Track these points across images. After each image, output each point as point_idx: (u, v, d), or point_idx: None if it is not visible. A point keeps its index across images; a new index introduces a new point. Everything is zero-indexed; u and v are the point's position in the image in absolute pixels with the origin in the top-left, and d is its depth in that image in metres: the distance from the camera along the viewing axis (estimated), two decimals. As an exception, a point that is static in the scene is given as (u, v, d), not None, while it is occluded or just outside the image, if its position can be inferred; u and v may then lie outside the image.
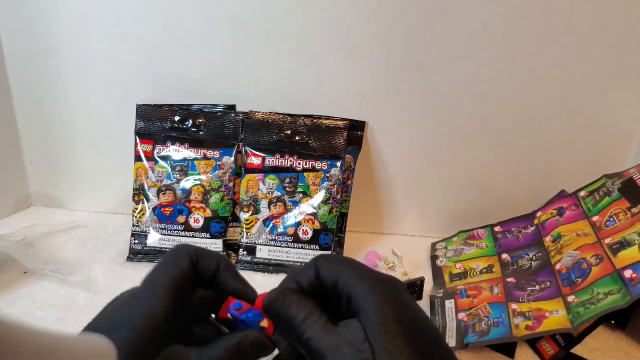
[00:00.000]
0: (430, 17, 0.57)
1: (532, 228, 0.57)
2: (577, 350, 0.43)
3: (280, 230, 0.56)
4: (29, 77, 0.64)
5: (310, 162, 0.57)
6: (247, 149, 0.58)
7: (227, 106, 0.62)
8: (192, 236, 0.56)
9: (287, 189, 0.57)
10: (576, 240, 0.49)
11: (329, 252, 0.57)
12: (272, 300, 0.25)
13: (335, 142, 0.58)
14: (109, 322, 0.24)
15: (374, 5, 0.57)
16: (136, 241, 0.56)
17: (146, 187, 0.57)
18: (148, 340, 0.22)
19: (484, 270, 0.54)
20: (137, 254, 0.56)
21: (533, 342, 0.45)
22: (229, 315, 0.27)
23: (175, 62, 0.61)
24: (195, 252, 0.27)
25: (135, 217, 0.57)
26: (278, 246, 0.56)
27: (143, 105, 0.58)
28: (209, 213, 0.57)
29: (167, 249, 0.56)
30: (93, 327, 0.24)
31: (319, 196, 0.57)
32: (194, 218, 0.56)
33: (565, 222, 0.53)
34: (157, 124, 0.58)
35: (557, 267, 0.48)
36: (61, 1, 0.59)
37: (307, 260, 0.56)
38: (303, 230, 0.56)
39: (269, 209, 0.57)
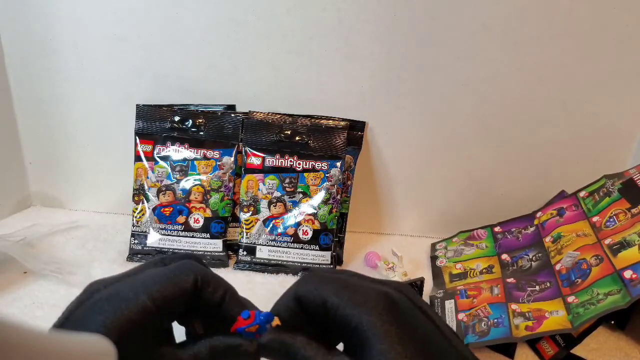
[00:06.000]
0: (430, 17, 0.57)
1: (532, 228, 0.57)
2: (577, 350, 0.43)
3: (280, 230, 0.56)
4: (29, 77, 0.64)
5: (310, 163, 0.57)
6: (247, 149, 0.58)
7: (227, 106, 0.62)
8: (192, 236, 0.56)
9: (287, 189, 0.57)
10: (576, 240, 0.49)
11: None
12: (269, 343, 0.24)
13: (335, 142, 0.58)
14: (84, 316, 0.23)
15: (374, 5, 0.57)
16: (136, 241, 0.56)
17: (146, 187, 0.57)
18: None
19: (484, 270, 0.54)
20: (137, 254, 0.56)
21: (533, 342, 0.45)
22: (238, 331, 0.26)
23: (175, 62, 0.61)
24: (202, 276, 0.25)
25: (135, 217, 0.57)
26: (278, 246, 0.56)
27: (143, 105, 0.58)
28: (209, 213, 0.57)
29: (167, 250, 0.56)
30: (68, 319, 0.23)
31: (319, 196, 0.57)
32: (194, 218, 0.56)
33: (565, 223, 0.53)
34: (157, 124, 0.58)
35: (557, 267, 0.48)
36: (61, 1, 0.59)
37: (307, 261, 0.56)
38: (303, 230, 0.56)
39: (269, 209, 0.57)
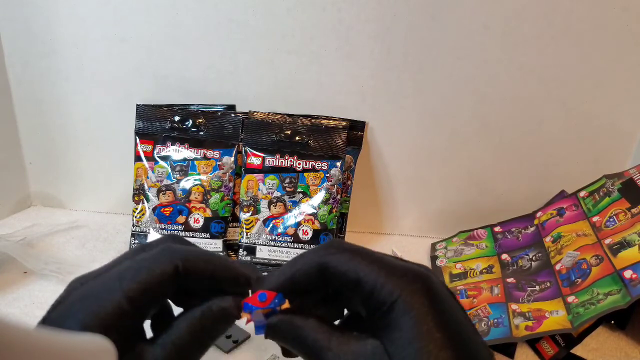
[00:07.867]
0: (430, 17, 0.57)
1: (532, 228, 0.57)
2: (577, 350, 0.43)
3: (280, 230, 0.56)
4: (29, 77, 0.64)
5: (310, 162, 0.57)
6: (247, 149, 0.58)
7: (227, 106, 0.62)
8: (192, 236, 0.56)
9: (287, 189, 0.57)
10: (576, 240, 0.49)
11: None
12: (279, 324, 0.23)
13: (335, 142, 0.58)
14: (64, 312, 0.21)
15: (374, 5, 0.57)
16: (136, 241, 0.56)
17: (146, 187, 0.57)
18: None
19: (484, 270, 0.54)
20: (137, 254, 0.56)
21: (533, 342, 0.45)
22: (251, 316, 0.23)
23: (175, 62, 0.61)
24: (184, 261, 0.23)
25: (135, 217, 0.57)
26: (278, 246, 0.56)
27: (143, 105, 0.58)
28: (209, 213, 0.57)
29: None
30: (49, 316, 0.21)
31: (319, 196, 0.57)
32: (194, 218, 0.56)
33: (565, 223, 0.53)
34: (157, 124, 0.58)
35: (557, 267, 0.48)
36: (61, 1, 0.59)
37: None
38: (303, 230, 0.56)
39: (269, 209, 0.57)
